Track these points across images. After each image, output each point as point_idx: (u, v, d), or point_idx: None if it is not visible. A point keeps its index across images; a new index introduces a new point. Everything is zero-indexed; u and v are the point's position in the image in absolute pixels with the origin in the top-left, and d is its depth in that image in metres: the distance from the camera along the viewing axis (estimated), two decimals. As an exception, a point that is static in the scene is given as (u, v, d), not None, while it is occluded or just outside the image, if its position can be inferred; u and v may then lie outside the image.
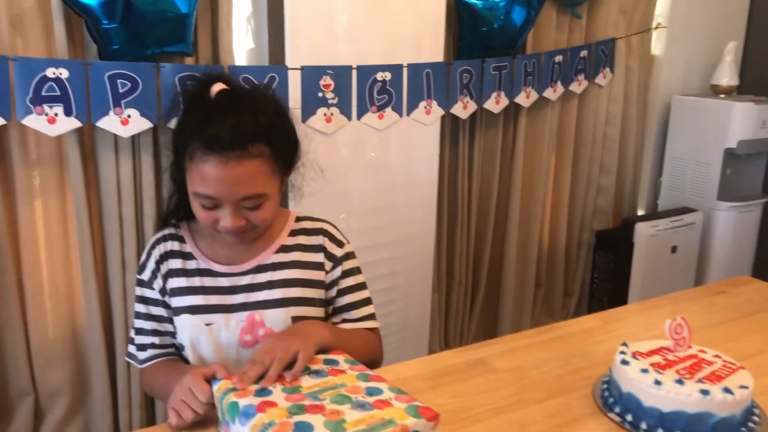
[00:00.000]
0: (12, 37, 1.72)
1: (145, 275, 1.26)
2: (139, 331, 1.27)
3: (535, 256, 2.92)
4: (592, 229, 3.09)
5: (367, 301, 1.32)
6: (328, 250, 1.28)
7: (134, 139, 1.89)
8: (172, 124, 1.85)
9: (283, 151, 1.15)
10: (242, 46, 2.20)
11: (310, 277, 1.25)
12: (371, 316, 1.32)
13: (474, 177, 2.66)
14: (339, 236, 1.31)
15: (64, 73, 1.70)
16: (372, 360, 1.27)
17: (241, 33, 2.18)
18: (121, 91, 1.77)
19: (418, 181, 2.32)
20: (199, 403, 1.03)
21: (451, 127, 2.53)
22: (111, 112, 1.78)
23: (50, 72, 1.69)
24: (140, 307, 1.27)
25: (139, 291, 1.27)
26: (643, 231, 2.83)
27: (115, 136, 1.86)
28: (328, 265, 1.28)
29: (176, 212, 1.28)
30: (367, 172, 2.19)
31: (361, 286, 1.32)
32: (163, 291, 1.24)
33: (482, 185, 2.72)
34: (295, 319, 1.21)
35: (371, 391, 0.97)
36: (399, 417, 0.90)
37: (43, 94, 1.69)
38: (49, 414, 2.02)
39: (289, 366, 1.04)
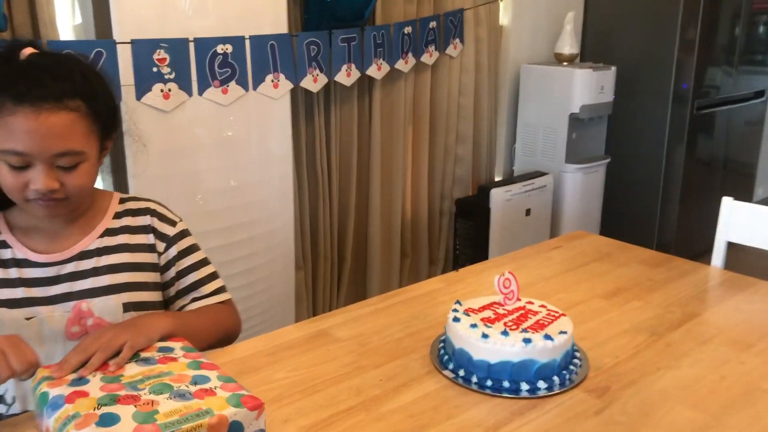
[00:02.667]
0: None
1: None
2: None
3: (399, 227, 2.96)
4: (452, 197, 3.17)
5: (213, 276, 1.27)
6: (159, 230, 1.21)
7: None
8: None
9: (102, 111, 1.08)
10: (68, 21, 2.04)
11: (140, 260, 1.18)
12: (221, 289, 1.27)
13: (332, 151, 2.64)
14: (169, 215, 1.25)
15: None
16: (227, 333, 1.24)
17: (65, 6, 2.02)
18: None
19: (272, 158, 2.26)
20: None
21: (304, 101, 2.49)
22: None
23: None
24: None
25: None
26: (498, 196, 2.95)
27: None
28: (161, 245, 1.21)
29: None
30: (216, 150, 2.11)
31: (203, 262, 1.26)
32: None
33: (341, 159, 2.71)
34: (128, 306, 1.14)
35: (197, 380, 0.92)
36: (218, 407, 0.85)
37: None
38: None
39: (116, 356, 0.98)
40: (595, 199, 3.31)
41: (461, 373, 1.10)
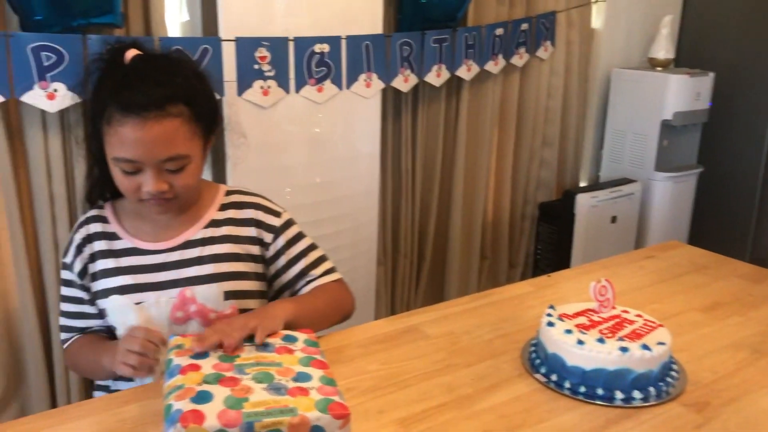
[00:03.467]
0: (-76, 6, 1.63)
1: (68, 258, 1.24)
2: (64, 314, 1.26)
3: (480, 228, 2.95)
4: (535, 201, 3.14)
5: (322, 258, 1.31)
6: (265, 222, 1.26)
7: (63, 114, 1.83)
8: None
9: (204, 112, 1.13)
10: (177, 18, 2.14)
11: (242, 251, 1.24)
12: (332, 270, 1.31)
13: (418, 150, 2.66)
14: (274, 207, 1.30)
15: (-18, 45, 1.63)
16: (343, 309, 1.28)
17: (175, 5, 2.12)
18: (45, 64, 1.71)
19: (360, 155, 2.31)
20: (147, 343, 1.04)
21: (393, 100, 2.53)
22: (36, 86, 1.71)
23: (-33, 44, 1.61)
24: (64, 290, 1.26)
25: (63, 274, 1.26)
26: (583, 202, 2.89)
27: (43, 112, 1.79)
28: (268, 236, 1.26)
29: (98, 190, 1.25)
30: (308, 146, 2.17)
31: (311, 247, 1.30)
32: (82, 274, 1.22)
33: (426, 159, 2.73)
34: (228, 294, 1.20)
35: (300, 377, 0.93)
36: (304, 408, 0.86)
37: (-39, 67, 1.62)
38: (-18, 400, 1.97)
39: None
40: (685, 209, 3.20)
41: (554, 377, 1.10)
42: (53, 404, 2.03)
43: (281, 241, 1.27)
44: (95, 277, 1.21)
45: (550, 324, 1.13)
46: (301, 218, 1.35)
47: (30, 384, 2.01)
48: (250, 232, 1.25)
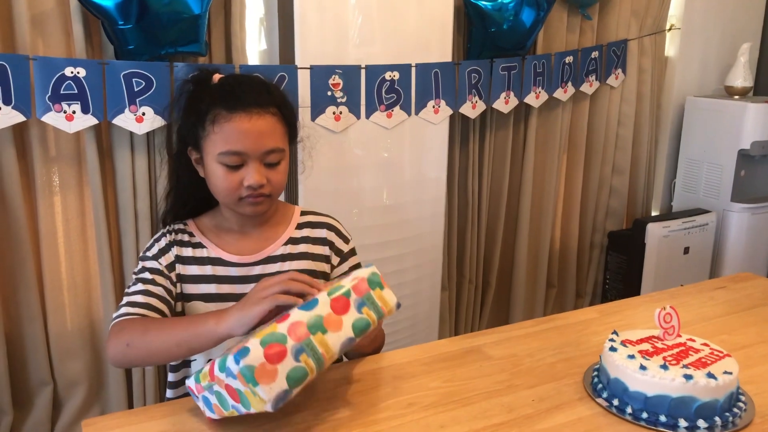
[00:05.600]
0: (33, 37, 1.79)
1: (151, 252, 1.24)
2: (135, 293, 1.20)
3: (547, 257, 2.93)
4: (604, 229, 3.09)
5: None
6: (336, 245, 1.33)
7: (149, 136, 1.96)
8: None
9: (290, 118, 1.23)
10: (255, 47, 2.26)
11: (317, 269, 1.30)
12: None
13: (484, 176, 2.69)
14: (344, 232, 1.36)
15: (81, 72, 1.77)
16: (376, 344, 1.31)
17: (254, 34, 2.24)
18: (136, 89, 1.84)
19: (427, 180, 2.35)
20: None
21: (461, 126, 2.57)
22: (126, 110, 1.85)
23: (68, 71, 1.76)
24: (143, 275, 1.22)
25: (140, 265, 1.24)
26: (655, 232, 2.84)
27: (131, 134, 1.92)
28: (335, 259, 1.33)
29: (177, 210, 1.29)
30: (376, 170, 2.23)
31: None
32: (170, 267, 1.23)
33: (492, 185, 2.75)
34: None
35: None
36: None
37: (62, 92, 1.77)
38: (67, 403, 2.09)
39: None
40: (763, 242, 3.08)
41: (615, 402, 1.09)
42: (130, 408, 2.14)
43: (345, 266, 1.34)
44: (179, 279, 1.24)
45: (613, 349, 1.13)
46: (367, 240, 1.41)
47: (110, 389, 2.12)
48: (324, 251, 1.32)
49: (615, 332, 1.19)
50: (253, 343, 0.90)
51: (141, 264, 1.25)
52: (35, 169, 1.90)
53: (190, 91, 1.22)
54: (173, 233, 1.27)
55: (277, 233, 1.30)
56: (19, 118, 1.75)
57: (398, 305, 1.11)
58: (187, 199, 1.28)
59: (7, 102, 1.72)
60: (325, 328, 0.97)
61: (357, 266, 1.35)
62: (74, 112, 1.79)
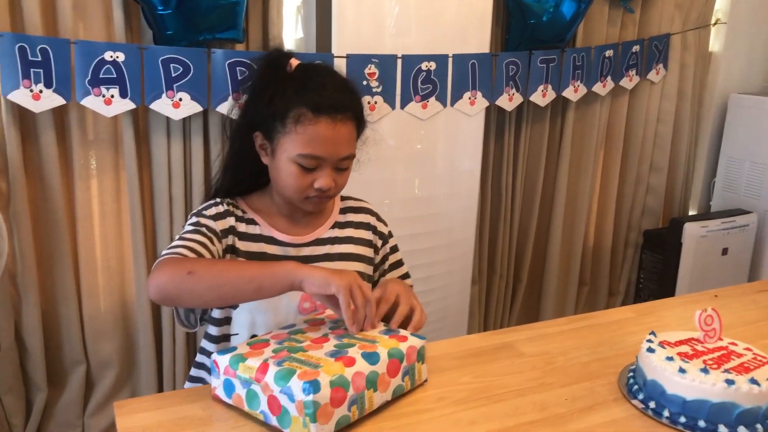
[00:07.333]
0: (74, 21, 1.81)
1: (208, 212, 1.21)
2: (184, 239, 1.15)
3: (580, 254, 2.89)
4: (640, 228, 3.03)
5: (406, 276, 1.42)
6: (378, 228, 1.36)
7: (185, 122, 1.97)
8: (222, 108, 1.93)
9: (362, 120, 1.22)
10: (292, 35, 2.26)
11: (362, 252, 1.32)
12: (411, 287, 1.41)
13: (519, 170, 2.65)
14: (381, 215, 1.39)
15: (120, 57, 1.79)
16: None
17: (291, 22, 2.23)
18: (173, 75, 1.85)
19: (460, 173, 2.33)
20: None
21: (496, 119, 2.53)
22: (164, 95, 1.86)
23: (108, 55, 1.77)
24: (192, 230, 1.18)
25: (195, 219, 1.20)
26: (692, 231, 2.77)
27: (168, 119, 1.94)
28: (379, 241, 1.36)
29: (229, 187, 1.27)
30: (410, 161, 2.21)
31: (400, 262, 1.42)
32: (224, 233, 1.20)
33: (527, 179, 2.71)
34: None
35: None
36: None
37: (101, 76, 1.79)
38: (99, 383, 2.13)
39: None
40: (806, 245, 2.99)
41: (651, 404, 1.06)
42: (160, 390, 2.17)
43: (388, 247, 1.38)
44: (229, 250, 1.21)
45: (650, 350, 1.10)
46: (398, 231, 1.41)
47: (141, 371, 2.15)
48: (367, 235, 1.34)
49: (653, 333, 1.16)
50: (324, 380, 0.92)
51: (196, 218, 1.20)
52: (73, 153, 1.93)
53: (264, 75, 1.20)
54: (225, 203, 1.24)
55: (324, 217, 1.31)
56: (59, 101, 1.78)
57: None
58: (243, 179, 1.28)
59: (48, 85, 1.75)
60: (377, 387, 1.00)
61: (396, 248, 1.39)
62: (113, 96, 1.81)
